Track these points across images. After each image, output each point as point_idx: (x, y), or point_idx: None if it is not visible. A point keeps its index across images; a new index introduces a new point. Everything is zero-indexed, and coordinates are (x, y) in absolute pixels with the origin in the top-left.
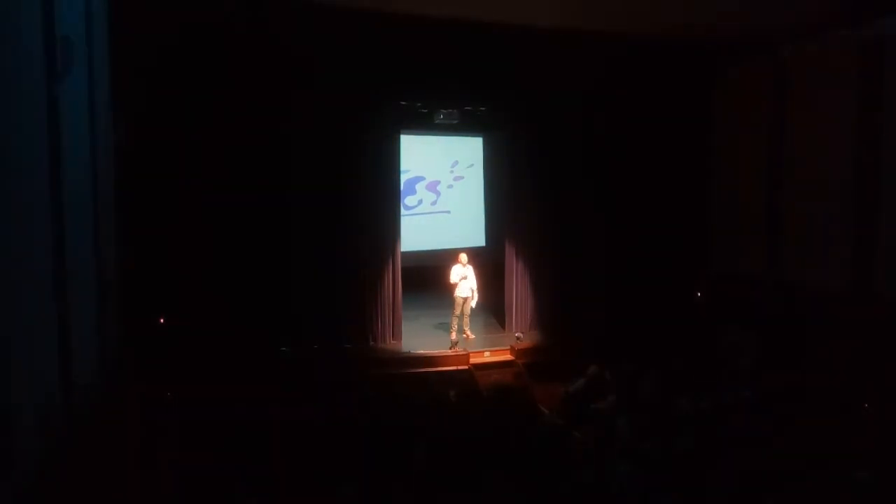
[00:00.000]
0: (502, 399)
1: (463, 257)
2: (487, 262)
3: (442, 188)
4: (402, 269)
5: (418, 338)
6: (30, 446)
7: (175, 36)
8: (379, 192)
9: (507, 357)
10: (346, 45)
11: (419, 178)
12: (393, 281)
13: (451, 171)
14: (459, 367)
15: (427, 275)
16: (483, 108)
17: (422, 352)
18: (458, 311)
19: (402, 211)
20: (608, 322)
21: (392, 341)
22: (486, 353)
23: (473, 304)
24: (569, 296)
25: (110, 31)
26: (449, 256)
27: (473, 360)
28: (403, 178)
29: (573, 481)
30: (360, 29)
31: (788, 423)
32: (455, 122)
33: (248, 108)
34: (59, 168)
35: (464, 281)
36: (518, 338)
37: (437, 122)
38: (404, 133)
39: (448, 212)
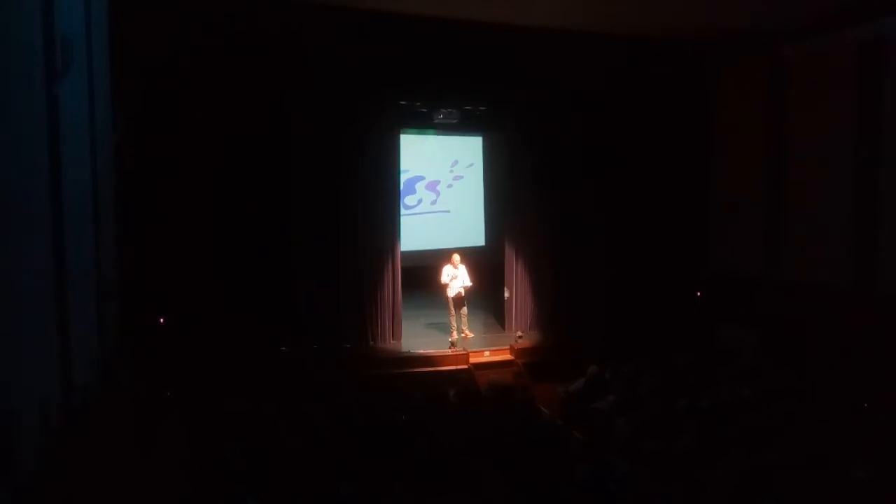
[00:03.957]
0: (502, 398)
1: (455, 258)
2: (487, 262)
3: (442, 188)
4: (402, 268)
5: (418, 338)
6: (30, 446)
7: (175, 36)
8: (379, 192)
9: (507, 357)
10: (345, 44)
11: (419, 178)
12: (393, 281)
13: (451, 171)
14: (459, 367)
15: (427, 275)
16: (483, 108)
17: (422, 352)
18: (453, 311)
19: (402, 210)
20: (608, 322)
21: (392, 341)
22: (486, 353)
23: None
24: (569, 296)
25: (110, 31)
26: (449, 256)
27: (473, 359)
28: (403, 177)
29: (572, 481)
30: (360, 29)
31: (788, 422)
32: (455, 121)
33: (248, 108)
34: (59, 168)
35: (454, 281)
36: (518, 338)
37: (436, 121)
38: (404, 133)
39: (448, 211)
